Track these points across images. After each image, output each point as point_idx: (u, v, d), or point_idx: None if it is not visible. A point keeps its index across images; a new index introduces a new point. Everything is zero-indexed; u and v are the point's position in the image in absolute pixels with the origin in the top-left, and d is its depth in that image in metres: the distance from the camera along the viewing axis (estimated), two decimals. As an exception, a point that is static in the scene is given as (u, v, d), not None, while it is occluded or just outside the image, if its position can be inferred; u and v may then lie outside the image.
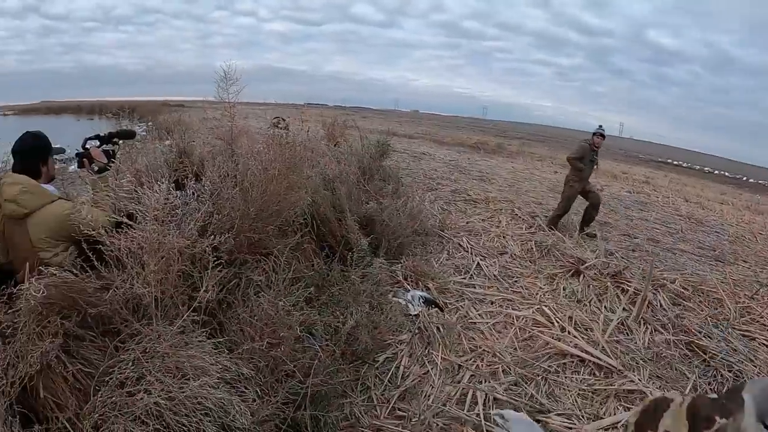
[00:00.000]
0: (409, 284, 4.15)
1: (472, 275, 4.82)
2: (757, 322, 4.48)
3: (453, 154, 15.97)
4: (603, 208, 9.49)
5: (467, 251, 5.46)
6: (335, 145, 6.80)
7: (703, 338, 3.86)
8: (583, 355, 3.40)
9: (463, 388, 2.84)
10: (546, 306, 4.18)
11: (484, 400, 2.75)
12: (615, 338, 3.72)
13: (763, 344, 4.00)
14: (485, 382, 2.96)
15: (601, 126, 7.27)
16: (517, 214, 7.40)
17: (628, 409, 2.84)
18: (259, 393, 1.92)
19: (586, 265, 5.20)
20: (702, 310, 4.53)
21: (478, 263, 5.13)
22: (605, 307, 4.33)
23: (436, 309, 3.80)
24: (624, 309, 4.28)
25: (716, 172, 55.47)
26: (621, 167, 29.45)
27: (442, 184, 9.09)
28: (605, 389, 3.05)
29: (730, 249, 8.07)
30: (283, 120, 5.29)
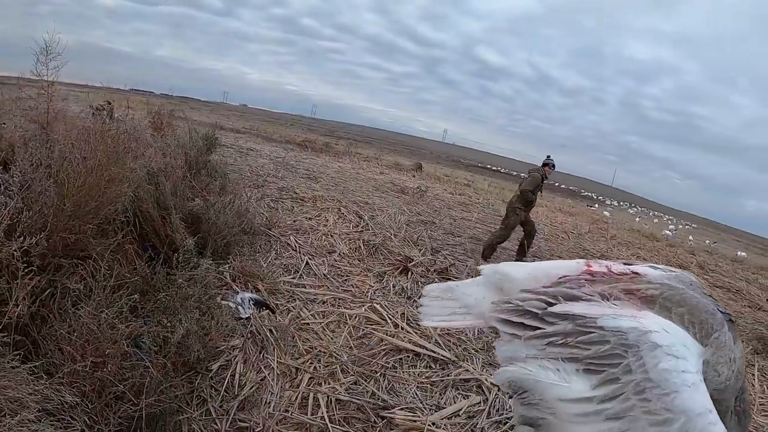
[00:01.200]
0: (238, 286, 4.18)
1: (301, 275, 5.01)
2: None
3: (281, 151, 16.18)
4: (428, 208, 10.55)
5: (295, 250, 5.65)
6: (161, 136, 6.51)
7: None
8: (418, 349, 3.83)
9: (303, 392, 3.01)
10: (377, 303, 4.56)
11: (326, 402, 2.97)
12: (447, 331, 4.24)
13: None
14: (325, 383, 3.17)
15: (549, 156, 7.79)
16: (344, 213, 7.82)
17: (467, 397, 3.32)
18: (88, 422, 1.86)
19: (414, 262, 5.78)
20: None
21: (307, 262, 5.34)
22: None
23: (268, 311, 3.91)
24: None
25: None
26: (444, 170, 32.57)
27: (269, 181, 9.19)
28: (443, 380, 3.49)
29: (546, 246, 9.69)
30: (109, 104, 4.94)
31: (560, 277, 1.91)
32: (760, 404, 4.52)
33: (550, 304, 1.67)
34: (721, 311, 1.71)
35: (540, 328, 1.60)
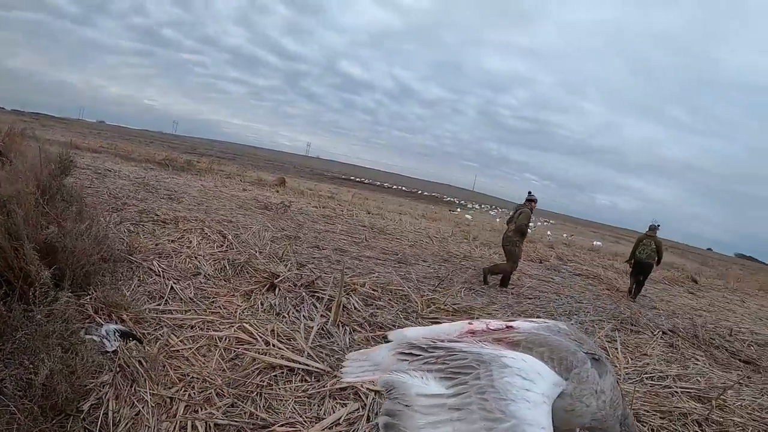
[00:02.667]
0: (101, 318, 4.03)
1: (167, 300, 4.93)
2: (441, 309, 5.98)
3: (140, 171, 15.58)
4: (292, 223, 10.71)
5: (159, 275, 5.53)
6: (10, 163, 6.00)
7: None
8: (291, 364, 3.96)
9: (180, 421, 3.01)
10: (247, 323, 4.61)
11: (205, 428, 3.00)
12: (318, 343, 4.46)
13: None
14: (201, 410, 3.19)
15: (531, 192, 9.39)
16: (207, 234, 7.75)
17: (345, 405, 3.51)
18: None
19: (280, 278, 5.91)
20: (392, 307, 5.74)
21: (172, 287, 5.26)
22: (304, 316, 5.10)
23: (135, 341, 3.81)
24: (322, 315, 5.11)
25: (395, 186, 67.26)
26: (308, 184, 32.80)
27: (128, 203, 8.88)
28: (319, 392, 3.66)
29: (411, 252, 10.25)
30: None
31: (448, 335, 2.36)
32: (626, 373, 5.23)
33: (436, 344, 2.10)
34: (585, 351, 2.10)
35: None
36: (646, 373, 5.32)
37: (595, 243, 26.10)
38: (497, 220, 37.77)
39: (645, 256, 11.44)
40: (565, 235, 32.38)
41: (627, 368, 5.38)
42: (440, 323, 5.49)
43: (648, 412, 4.34)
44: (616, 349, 5.98)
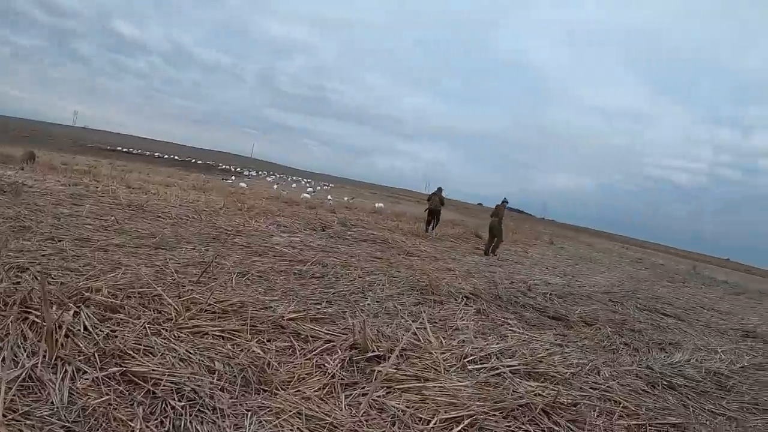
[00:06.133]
0: None
1: None
2: (206, 312, 4.40)
3: None
4: (27, 209, 8.05)
5: None
6: None
7: (145, 356, 3.38)
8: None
9: None
10: None
11: None
12: (17, 410, 2.64)
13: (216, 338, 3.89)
14: None
15: (506, 198, 15.82)
16: None
17: None
18: None
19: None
20: (139, 318, 4.01)
21: None
22: (4, 358, 3.11)
23: None
24: (33, 352, 3.22)
25: (167, 156, 61.30)
26: (65, 158, 27.57)
27: None
28: None
29: (171, 232, 8.26)
30: None
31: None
32: (445, 361, 4.30)
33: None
34: None
35: None
36: (466, 357, 4.49)
37: (377, 205, 26.26)
38: (275, 186, 35.97)
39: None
40: (346, 198, 32.14)
41: (444, 354, 4.50)
42: (205, 334, 4.03)
43: (488, 414, 3.47)
44: (425, 328, 5.13)
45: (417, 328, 5.11)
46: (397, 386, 3.63)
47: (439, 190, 17.75)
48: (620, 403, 4.28)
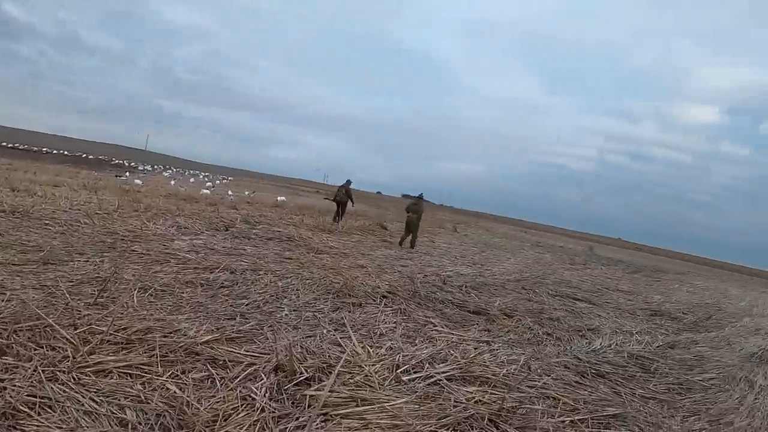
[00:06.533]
0: None
1: None
2: (108, 344, 3.79)
3: None
4: None
5: None
6: None
7: None
8: None
9: None
10: None
11: None
12: None
13: None
14: None
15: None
16: None
17: None
18: None
19: None
20: (30, 359, 3.35)
21: None
22: None
23: None
24: None
25: (55, 152, 56.43)
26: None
27: None
28: None
29: (62, 243, 7.33)
30: None
31: None
32: (377, 373, 4.05)
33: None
34: None
35: None
36: (399, 368, 4.27)
37: (279, 198, 25.45)
38: (172, 182, 33.61)
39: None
40: (247, 192, 30.84)
41: (375, 366, 4.24)
42: (110, 373, 3.43)
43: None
44: (350, 338, 4.86)
45: (341, 338, 4.84)
46: (334, 412, 3.30)
47: (348, 182, 17.87)
48: (559, 400, 4.32)
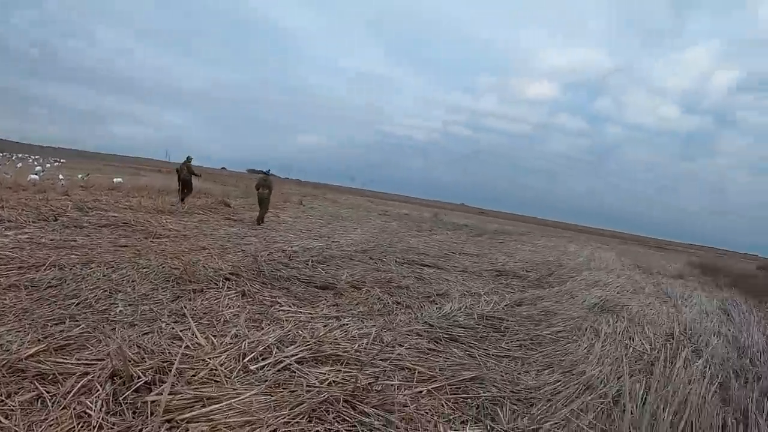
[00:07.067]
0: None
1: None
2: None
3: None
4: None
5: None
6: None
7: None
8: None
9: None
10: None
11: None
12: None
13: None
14: None
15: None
16: None
17: None
18: None
19: None
20: None
21: None
22: None
23: None
24: None
25: None
26: None
27: None
28: None
29: None
30: None
31: None
32: (223, 366, 3.74)
33: None
34: None
35: None
36: (246, 356, 4.09)
37: (115, 180, 23.34)
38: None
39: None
40: (80, 175, 27.85)
41: (220, 357, 4.01)
42: None
43: (291, 423, 3.16)
44: (191, 329, 4.59)
45: (182, 331, 4.54)
46: (180, 417, 3.08)
47: (188, 159, 17.28)
48: (414, 370, 4.44)
